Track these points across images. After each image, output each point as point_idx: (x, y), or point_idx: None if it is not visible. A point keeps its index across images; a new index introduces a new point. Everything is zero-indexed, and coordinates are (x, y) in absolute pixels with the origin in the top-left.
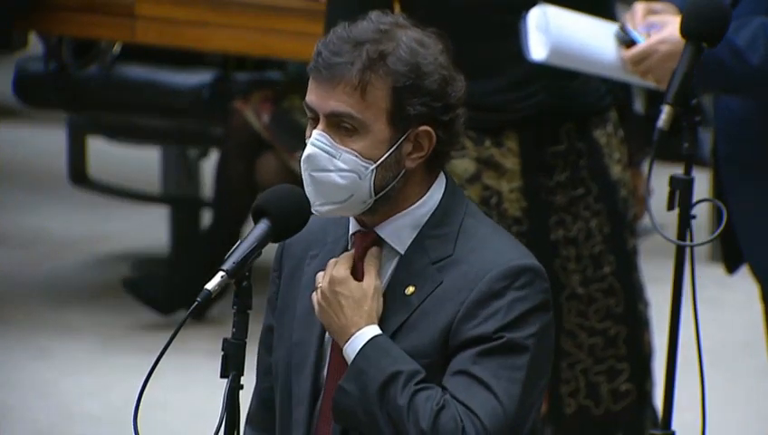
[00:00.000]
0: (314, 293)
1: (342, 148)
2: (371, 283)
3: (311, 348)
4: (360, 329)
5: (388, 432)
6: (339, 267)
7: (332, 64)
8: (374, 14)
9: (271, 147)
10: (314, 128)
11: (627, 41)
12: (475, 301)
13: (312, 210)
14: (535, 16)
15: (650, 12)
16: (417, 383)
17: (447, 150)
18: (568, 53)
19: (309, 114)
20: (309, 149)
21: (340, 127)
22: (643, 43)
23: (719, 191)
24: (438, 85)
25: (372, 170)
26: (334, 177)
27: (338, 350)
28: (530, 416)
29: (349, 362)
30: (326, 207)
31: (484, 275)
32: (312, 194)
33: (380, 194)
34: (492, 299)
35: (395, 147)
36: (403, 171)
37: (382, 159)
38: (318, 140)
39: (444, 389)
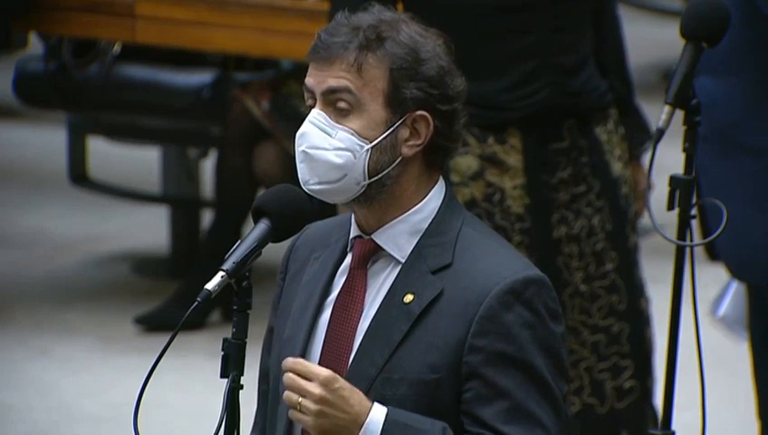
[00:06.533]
0: (300, 406)
1: (339, 126)
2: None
3: (297, 344)
4: (369, 413)
5: None
6: (316, 368)
7: (330, 44)
8: (376, 8)
9: (269, 136)
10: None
11: None
12: (486, 316)
13: (305, 189)
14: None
15: None
16: None
17: (446, 146)
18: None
19: (307, 99)
20: (305, 127)
21: (337, 106)
22: None
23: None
24: (436, 73)
25: (367, 150)
26: (329, 155)
27: (328, 350)
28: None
29: None
30: (319, 187)
31: (490, 289)
32: (304, 172)
33: (374, 178)
34: (503, 314)
35: (391, 129)
36: (399, 158)
37: (378, 139)
38: (315, 118)
39: (477, 418)
